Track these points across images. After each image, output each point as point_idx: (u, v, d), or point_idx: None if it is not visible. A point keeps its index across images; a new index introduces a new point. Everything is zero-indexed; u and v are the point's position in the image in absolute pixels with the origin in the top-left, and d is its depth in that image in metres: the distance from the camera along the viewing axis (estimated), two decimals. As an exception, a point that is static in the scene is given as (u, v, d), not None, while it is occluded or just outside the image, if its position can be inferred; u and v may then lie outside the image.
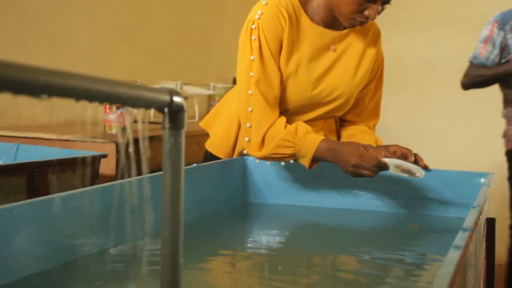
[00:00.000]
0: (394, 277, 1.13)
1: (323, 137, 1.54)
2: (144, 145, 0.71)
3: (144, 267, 1.10)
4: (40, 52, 2.68)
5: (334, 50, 1.63)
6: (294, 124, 1.55)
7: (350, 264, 1.25)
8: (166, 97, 0.69)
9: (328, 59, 1.62)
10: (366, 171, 1.44)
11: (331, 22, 1.62)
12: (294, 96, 1.61)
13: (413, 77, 3.98)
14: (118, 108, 2.14)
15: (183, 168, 0.75)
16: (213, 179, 1.60)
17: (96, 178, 1.78)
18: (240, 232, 1.52)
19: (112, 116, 2.20)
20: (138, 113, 0.75)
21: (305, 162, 1.53)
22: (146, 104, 0.68)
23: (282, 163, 1.67)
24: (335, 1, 1.54)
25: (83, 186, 1.19)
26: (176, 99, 0.71)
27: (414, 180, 1.62)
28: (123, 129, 2.15)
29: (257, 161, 1.70)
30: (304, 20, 1.60)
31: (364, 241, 1.44)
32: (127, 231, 1.18)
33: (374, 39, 1.71)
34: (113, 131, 2.23)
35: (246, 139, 1.57)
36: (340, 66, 1.63)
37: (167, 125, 0.71)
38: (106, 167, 1.98)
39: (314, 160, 1.53)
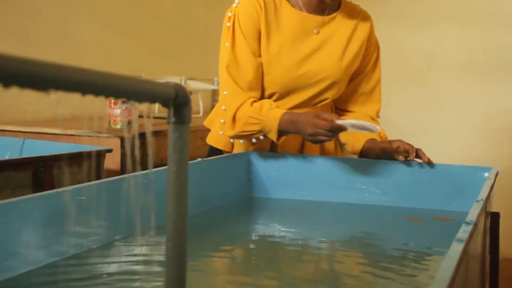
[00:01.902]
0: (397, 270, 1.13)
1: (284, 111, 1.60)
2: (149, 139, 0.72)
3: (149, 260, 1.11)
4: (44, 47, 2.68)
5: (318, 33, 1.67)
6: (260, 102, 1.63)
7: (354, 258, 1.26)
8: (171, 92, 0.70)
9: (313, 42, 1.67)
10: (323, 137, 1.52)
11: (315, 7, 1.67)
12: (280, 78, 1.65)
13: (416, 71, 3.97)
14: (123, 103, 2.14)
15: (188, 162, 0.75)
16: (218, 173, 1.61)
17: (101, 172, 1.79)
18: (244, 227, 1.53)
19: (117, 111, 2.20)
20: (143, 107, 0.75)
21: (273, 136, 1.61)
22: (151, 98, 0.69)
23: (254, 141, 1.70)
24: None
25: (88, 180, 1.20)
26: (181, 93, 0.71)
27: (419, 174, 1.63)
28: (128, 123, 2.16)
29: (231, 140, 1.74)
30: (285, 6, 1.66)
31: (368, 235, 1.45)
32: (133, 225, 1.19)
33: (364, 25, 1.73)
34: (118, 126, 2.24)
35: (222, 121, 1.67)
36: (325, 49, 1.67)
37: (172, 119, 0.71)
38: (111, 161, 1.99)
39: (280, 133, 1.60)
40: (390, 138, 1.73)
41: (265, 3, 1.63)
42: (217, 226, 1.45)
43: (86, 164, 1.71)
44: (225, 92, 1.65)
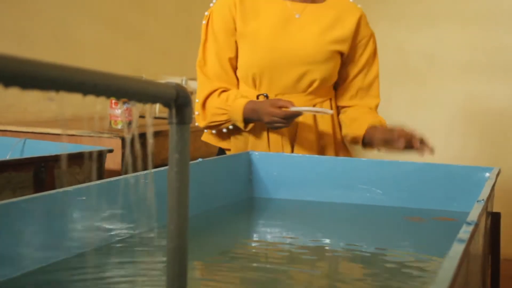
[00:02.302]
0: (397, 270, 1.13)
1: (248, 99, 1.66)
2: (150, 140, 0.72)
3: (150, 261, 1.11)
4: (45, 47, 2.68)
5: (300, 17, 1.72)
6: (227, 92, 1.70)
7: (355, 259, 1.26)
8: (172, 92, 0.70)
9: (294, 24, 1.71)
10: (279, 124, 1.61)
11: None
12: (263, 59, 1.69)
13: (417, 71, 3.97)
14: (124, 103, 2.14)
15: (189, 162, 0.75)
16: (218, 173, 1.61)
17: (102, 172, 1.79)
18: (245, 227, 1.52)
19: (117, 111, 2.20)
20: (144, 108, 0.75)
21: (240, 125, 1.68)
22: (152, 99, 0.69)
23: (224, 130, 1.76)
24: None
25: (90, 181, 1.20)
26: (182, 94, 0.71)
27: (420, 174, 1.63)
28: (129, 124, 2.16)
29: (206, 131, 1.80)
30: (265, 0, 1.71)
31: (369, 235, 1.45)
32: (134, 226, 1.19)
33: (351, 16, 1.75)
34: (119, 126, 2.24)
35: (196, 113, 1.75)
36: (306, 29, 1.71)
37: (173, 119, 0.71)
38: (112, 161, 1.99)
39: (247, 121, 1.67)
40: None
41: (241, 1, 1.70)
42: (217, 227, 1.45)
43: (87, 164, 1.71)
44: (198, 87, 1.74)
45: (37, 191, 1.52)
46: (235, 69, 1.75)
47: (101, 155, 1.79)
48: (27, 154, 1.87)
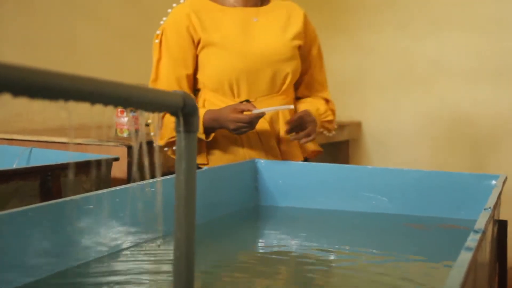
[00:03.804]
0: (405, 278, 1.13)
1: (206, 109, 1.66)
2: (157, 148, 0.72)
3: (157, 269, 1.11)
4: (50, 55, 2.70)
5: (257, 21, 1.75)
6: None
7: (361, 266, 1.25)
8: (179, 101, 0.70)
9: (255, 28, 1.74)
10: (245, 129, 1.61)
11: (246, 1, 1.76)
12: (238, 63, 1.69)
13: (423, 77, 3.97)
14: (130, 111, 2.15)
15: (196, 170, 0.75)
16: (224, 182, 1.61)
17: (108, 181, 1.79)
18: (251, 235, 1.52)
19: (123, 120, 2.21)
20: (149, 116, 0.75)
21: (201, 136, 1.67)
22: (160, 107, 0.69)
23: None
24: None
25: (96, 189, 1.20)
26: (189, 102, 0.71)
27: (426, 182, 1.63)
28: (135, 132, 2.16)
29: (166, 149, 1.76)
30: (218, 9, 1.73)
31: (375, 243, 1.44)
32: (141, 234, 1.19)
33: (297, 13, 1.82)
34: (124, 135, 2.24)
35: (152, 133, 1.74)
36: (268, 30, 1.75)
37: (180, 128, 0.72)
38: (118, 170, 1.99)
39: (208, 131, 1.66)
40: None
41: (194, 11, 1.70)
42: (224, 235, 1.45)
43: (94, 172, 1.71)
44: None
45: (43, 200, 1.52)
46: (191, 85, 1.74)
47: (107, 163, 1.79)
48: (33, 163, 1.88)
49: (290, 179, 1.72)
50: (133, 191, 1.21)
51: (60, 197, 1.47)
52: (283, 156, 1.78)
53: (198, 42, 1.70)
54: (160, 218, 0.85)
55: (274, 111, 1.68)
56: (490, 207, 1.11)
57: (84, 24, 2.88)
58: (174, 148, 1.76)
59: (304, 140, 1.68)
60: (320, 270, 1.22)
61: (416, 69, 3.97)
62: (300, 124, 1.67)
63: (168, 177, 1.27)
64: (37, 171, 1.57)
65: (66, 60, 2.75)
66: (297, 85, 1.86)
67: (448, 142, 3.91)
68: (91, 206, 1.11)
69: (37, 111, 2.59)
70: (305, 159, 1.86)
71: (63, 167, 1.64)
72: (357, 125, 4.18)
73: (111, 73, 2.92)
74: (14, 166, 1.88)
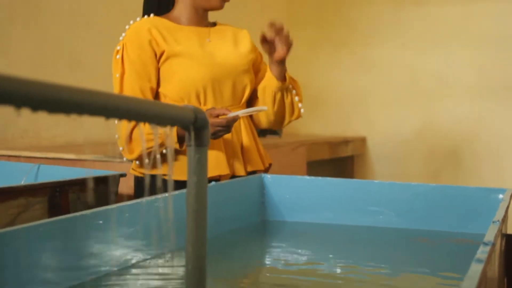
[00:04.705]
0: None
1: None
2: (171, 163, 0.73)
3: (167, 284, 1.11)
4: (58, 75, 2.72)
5: (210, 41, 1.80)
6: None
7: (369, 281, 1.25)
8: (190, 115, 0.71)
9: (210, 48, 1.79)
10: (222, 133, 1.64)
11: (197, 21, 1.81)
12: (205, 71, 1.73)
13: (427, 93, 3.98)
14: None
15: (207, 184, 0.76)
16: (231, 196, 1.61)
17: (115, 196, 1.80)
18: (258, 250, 1.52)
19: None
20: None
21: (176, 145, 1.67)
22: (172, 121, 0.70)
23: (158, 156, 1.69)
24: None
25: (104, 205, 1.21)
26: (200, 116, 0.72)
27: (432, 196, 1.63)
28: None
29: (137, 162, 1.75)
30: (174, 27, 1.77)
31: (383, 258, 1.44)
32: (152, 248, 1.19)
33: (242, 32, 1.90)
34: (131, 151, 2.25)
35: (120, 148, 1.72)
36: (221, 48, 1.81)
37: (192, 142, 0.72)
38: (125, 186, 2.00)
39: (181, 140, 1.67)
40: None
41: (155, 27, 1.73)
42: (231, 250, 1.45)
43: (101, 188, 1.72)
44: (116, 122, 1.68)
45: (52, 216, 1.53)
46: (153, 98, 1.76)
47: (114, 179, 1.80)
48: (41, 179, 1.89)
49: (297, 194, 1.72)
50: (141, 206, 1.22)
51: (68, 213, 1.48)
52: (245, 165, 1.79)
53: (161, 55, 1.72)
54: (168, 233, 0.85)
55: (248, 113, 1.72)
56: (498, 220, 1.11)
57: (92, 44, 2.90)
58: (146, 161, 1.72)
59: (282, 46, 1.72)
60: (328, 285, 1.22)
61: (420, 84, 3.98)
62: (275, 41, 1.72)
63: (176, 192, 1.28)
64: (45, 187, 1.58)
65: (73, 79, 2.77)
66: (252, 97, 1.91)
67: (453, 157, 3.91)
68: (100, 221, 1.11)
69: (43, 128, 2.61)
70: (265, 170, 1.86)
71: (71, 183, 1.65)
72: (362, 141, 4.18)
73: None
74: (22, 183, 1.88)
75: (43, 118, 2.60)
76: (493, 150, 3.81)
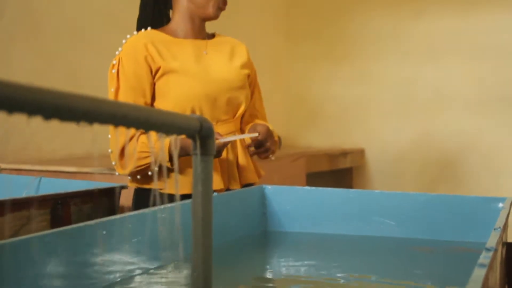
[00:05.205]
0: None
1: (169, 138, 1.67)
2: (177, 172, 0.74)
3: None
4: (57, 87, 2.73)
5: (207, 54, 1.81)
6: (144, 135, 1.69)
7: (372, 290, 1.26)
8: (196, 124, 0.72)
9: (206, 60, 1.80)
10: None
11: (194, 32, 1.81)
12: (198, 88, 1.73)
13: (425, 105, 4.00)
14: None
15: (213, 193, 0.77)
16: (233, 207, 1.62)
17: (117, 208, 1.81)
18: (259, 261, 1.53)
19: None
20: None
21: (167, 164, 1.64)
22: (177, 130, 0.71)
23: (150, 173, 1.73)
24: (192, 7, 1.77)
25: (105, 216, 1.21)
26: (206, 125, 0.73)
27: (433, 205, 1.64)
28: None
29: (129, 177, 1.76)
30: (170, 41, 1.77)
31: (385, 267, 1.45)
32: (156, 258, 1.19)
33: (240, 46, 1.90)
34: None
35: (113, 163, 1.72)
36: (218, 62, 1.82)
37: (197, 150, 0.73)
38: (125, 198, 2.00)
39: (172, 159, 1.65)
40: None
41: (151, 41, 1.73)
42: (233, 260, 1.45)
43: (103, 200, 1.73)
44: (109, 136, 1.72)
45: (54, 228, 1.53)
46: None
47: (115, 191, 1.81)
48: (43, 192, 1.89)
49: (298, 205, 1.73)
50: (144, 217, 1.22)
51: (70, 224, 1.48)
52: (241, 180, 1.80)
53: (157, 71, 1.72)
54: (171, 243, 0.86)
55: (239, 139, 1.73)
56: (500, 227, 1.12)
57: (90, 57, 2.92)
58: (138, 177, 1.75)
59: (264, 155, 1.73)
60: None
61: (418, 97, 4.00)
62: (260, 142, 1.72)
63: (180, 202, 1.28)
64: (48, 200, 1.58)
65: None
66: (247, 113, 1.91)
67: (451, 169, 3.92)
68: (104, 232, 1.12)
69: (45, 141, 2.62)
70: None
71: (73, 196, 1.65)
72: (360, 152, 4.19)
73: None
74: (24, 195, 1.89)
75: (44, 131, 2.61)
76: (491, 162, 3.82)
